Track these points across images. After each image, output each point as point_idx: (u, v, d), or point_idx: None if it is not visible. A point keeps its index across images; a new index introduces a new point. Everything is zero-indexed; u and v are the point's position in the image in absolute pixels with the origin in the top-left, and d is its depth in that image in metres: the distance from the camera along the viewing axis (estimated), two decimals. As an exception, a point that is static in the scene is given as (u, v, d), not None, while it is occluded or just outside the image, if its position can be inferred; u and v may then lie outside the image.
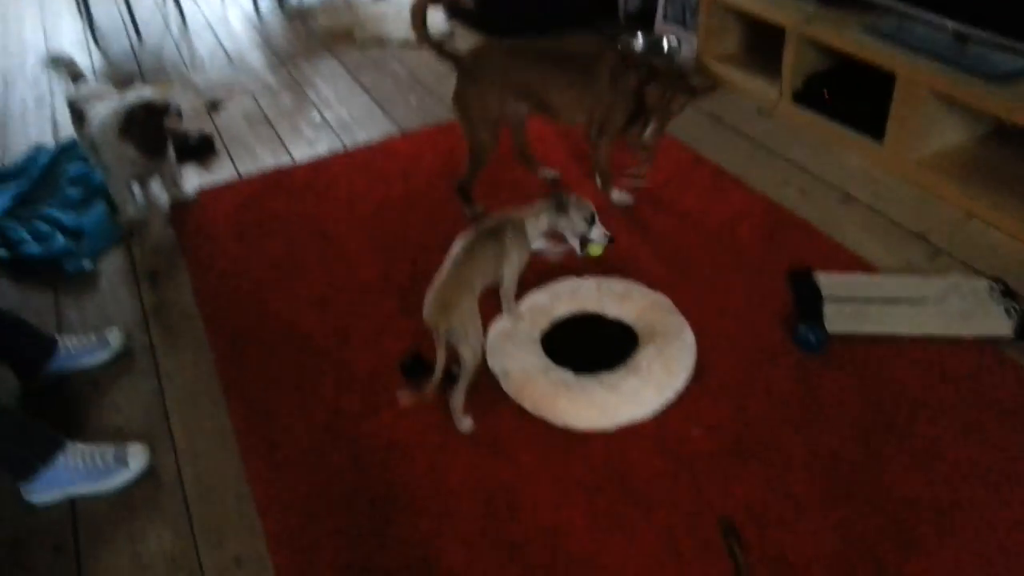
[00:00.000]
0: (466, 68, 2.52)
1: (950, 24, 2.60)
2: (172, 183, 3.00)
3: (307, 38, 4.44)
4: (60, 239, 2.78)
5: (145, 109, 2.66)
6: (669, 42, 3.66)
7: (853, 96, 2.98)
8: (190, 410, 2.18)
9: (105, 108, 2.71)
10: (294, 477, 1.93)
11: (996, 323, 2.15)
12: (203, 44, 4.53)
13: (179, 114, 2.73)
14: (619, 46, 2.77)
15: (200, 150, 3.34)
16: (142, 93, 2.74)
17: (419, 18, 2.48)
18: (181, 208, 3.00)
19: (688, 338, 2.11)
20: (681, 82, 2.50)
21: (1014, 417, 1.91)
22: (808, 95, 3.13)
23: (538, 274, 2.47)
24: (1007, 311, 2.18)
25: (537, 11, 4.08)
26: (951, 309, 2.20)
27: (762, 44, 3.43)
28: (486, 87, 2.50)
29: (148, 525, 1.88)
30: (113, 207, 2.97)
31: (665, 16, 3.83)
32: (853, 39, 2.83)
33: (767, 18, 3.16)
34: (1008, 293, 2.24)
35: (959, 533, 1.67)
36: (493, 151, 2.63)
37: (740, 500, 1.78)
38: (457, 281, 1.94)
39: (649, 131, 2.56)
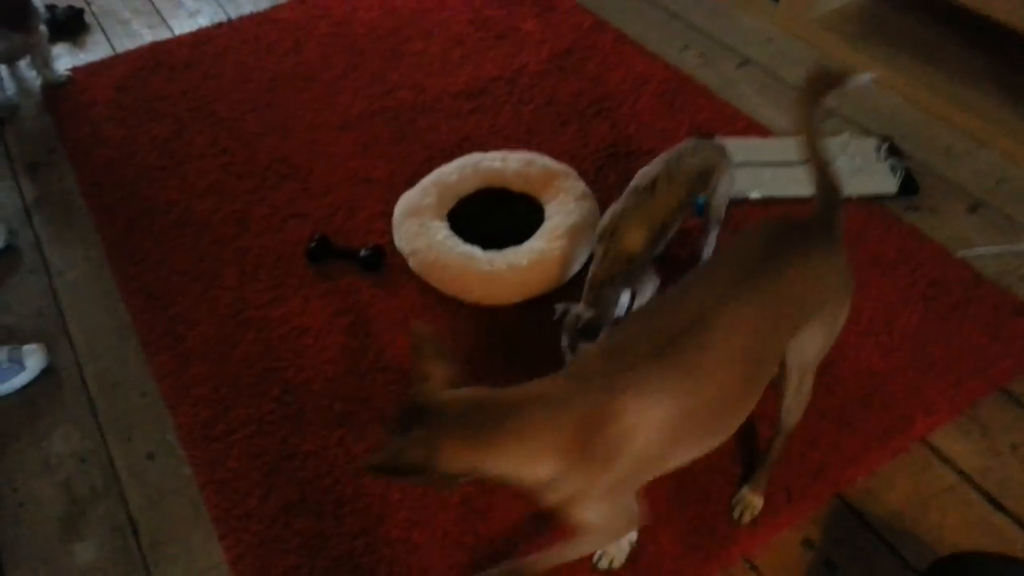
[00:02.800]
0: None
1: None
2: (43, 64, 2.76)
3: None
4: (-81, 130, 2.55)
5: None
6: None
7: (754, -47, 2.94)
8: (85, 306, 2.10)
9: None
10: (201, 369, 1.92)
11: (882, 181, 2.25)
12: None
13: None
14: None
15: (69, 26, 3.07)
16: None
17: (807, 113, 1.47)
18: (54, 91, 2.77)
19: (592, 208, 2.13)
20: None
21: (895, 271, 2.03)
22: (710, -47, 3.07)
23: (443, 150, 2.43)
24: (892, 168, 2.27)
25: None
26: (840, 169, 2.27)
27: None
28: None
29: (53, 425, 1.85)
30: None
31: None
32: None
33: None
34: (894, 151, 2.33)
35: (842, 380, 1.80)
36: None
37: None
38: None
39: None
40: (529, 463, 1.14)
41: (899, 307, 1.94)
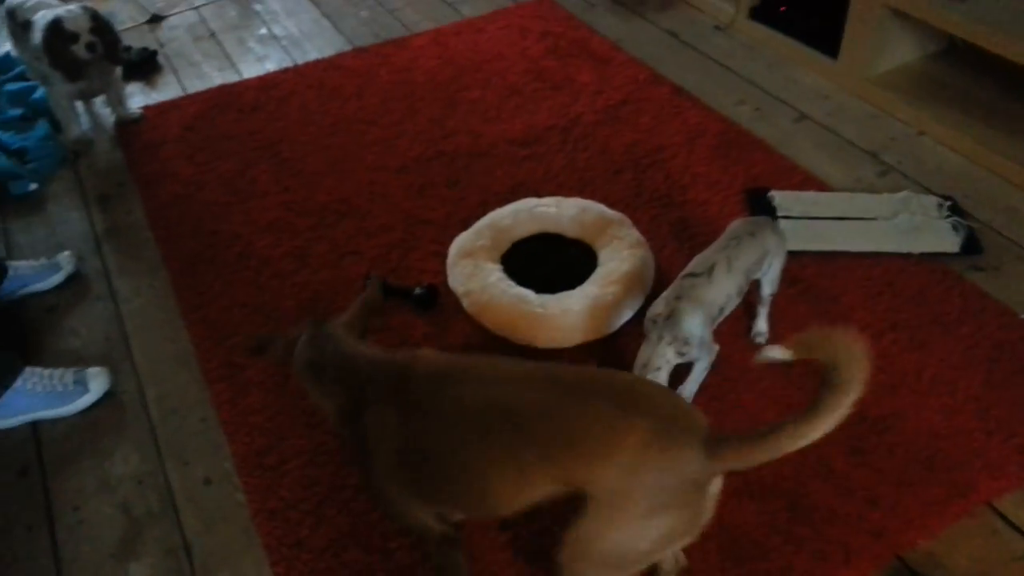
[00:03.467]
0: None
1: (909, -62, 2.59)
2: (118, 101, 2.89)
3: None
4: (3, 160, 2.67)
5: (49, 31, 2.53)
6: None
7: (809, 13, 2.97)
8: (149, 333, 2.16)
9: (47, 19, 2.57)
10: (257, 398, 1.95)
11: (944, 239, 2.22)
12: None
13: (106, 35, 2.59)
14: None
15: (143, 66, 3.21)
16: (78, 6, 2.60)
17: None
18: (127, 127, 2.89)
19: (646, 257, 2.14)
20: None
21: (957, 329, 1.99)
22: (765, 11, 3.11)
23: (497, 194, 2.47)
24: (954, 227, 2.25)
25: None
26: (901, 226, 2.26)
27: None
28: None
29: (113, 447, 1.89)
30: (57, 126, 2.85)
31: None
32: (811, -48, 2.81)
33: (727, -70, 3.11)
34: (956, 210, 2.31)
35: (904, 440, 1.77)
36: None
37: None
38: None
39: None
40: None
41: (962, 368, 1.91)
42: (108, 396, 1.99)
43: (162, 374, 2.05)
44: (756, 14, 3.14)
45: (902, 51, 2.81)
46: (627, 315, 2.04)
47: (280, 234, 2.40)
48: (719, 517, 1.64)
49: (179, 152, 2.76)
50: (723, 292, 1.76)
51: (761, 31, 3.11)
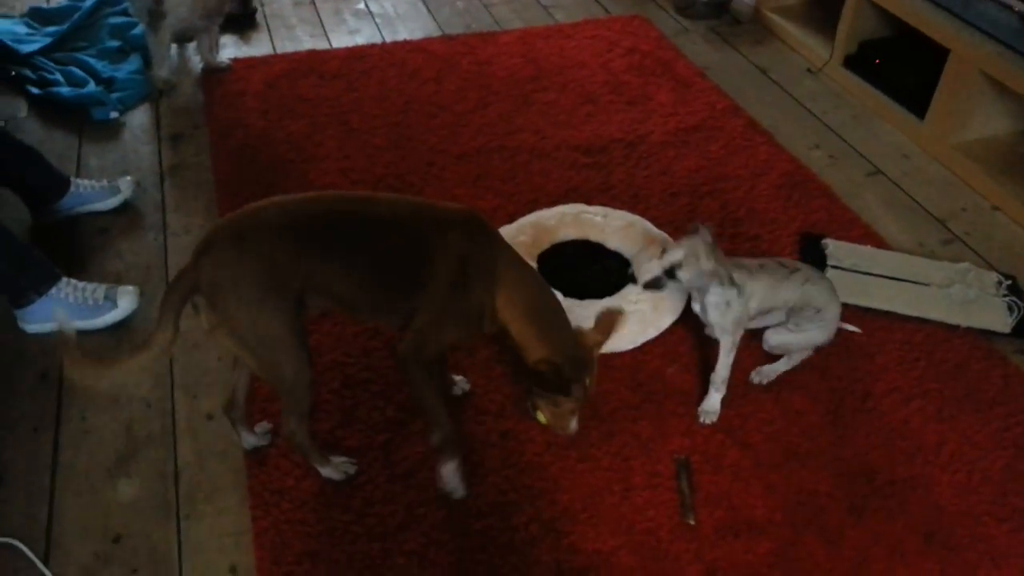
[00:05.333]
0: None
1: (1018, 6, 2.49)
2: (209, 48, 3.00)
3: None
4: (92, 85, 2.80)
5: None
6: (731, -14, 3.54)
7: (904, 69, 2.89)
8: (188, 269, 2.23)
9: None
10: (275, 348, 1.99)
11: (996, 318, 2.13)
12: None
13: None
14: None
15: (241, 21, 3.33)
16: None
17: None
18: (213, 75, 3.00)
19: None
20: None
21: (991, 411, 1.90)
22: (859, 61, 3.04)
23: (550, 195, 2.47)
24: (1010, 307, 2.15)
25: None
26: (953, 296, 2.18)
27: (825, 1, 3.31)
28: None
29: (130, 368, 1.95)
30: (148, 63, 2.98)
31: (732, -42, 3.69)
32: (914, 5, 2.73)
33: (832, -27, 3.05)
34: (1015, 290, 2.20)
35: (906, 509, 1.69)
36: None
37: (699, 443, 1.81)
38: None
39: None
40: None
41: (985, 448, 1.82)
42: (136, 317, 2.06)
43: (191, 311, 2.11)
44: (850, 62, 3.07)
45: (992, 122, 2.71)
46: (652, 334, 2.02)
47: (331, 198, 2.45)
48: (698, 549, 1.61)
49: (256, 106, 2.85)
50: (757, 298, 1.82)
51: (852, 80, 3.04)
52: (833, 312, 1.89)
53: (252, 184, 2.50)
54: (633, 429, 1.83)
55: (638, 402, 1.89)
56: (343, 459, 1.73)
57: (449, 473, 1.66)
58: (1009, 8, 2.54)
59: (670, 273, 1.77)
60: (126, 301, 2.04)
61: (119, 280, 2.16)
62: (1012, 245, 2.40)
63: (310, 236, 1.46)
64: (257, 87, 2.95)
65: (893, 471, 1.77)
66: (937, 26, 2.64)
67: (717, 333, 1.84)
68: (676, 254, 1.75)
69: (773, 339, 1.90)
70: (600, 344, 1.64)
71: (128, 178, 2.44)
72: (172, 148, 2.67)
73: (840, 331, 1.96)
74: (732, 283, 1.79)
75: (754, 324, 1.89)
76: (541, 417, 1.67)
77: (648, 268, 1.80)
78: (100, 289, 2.03)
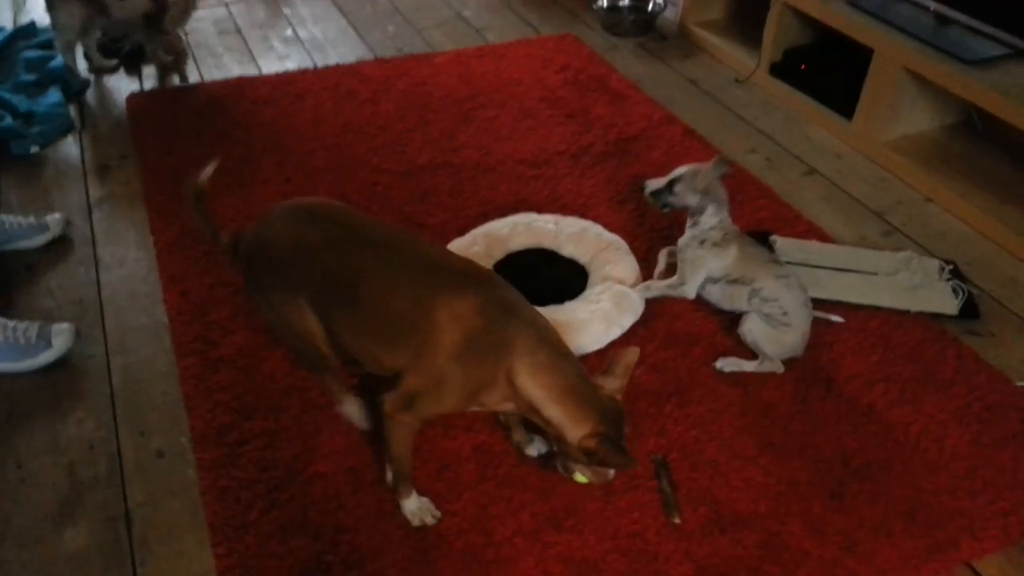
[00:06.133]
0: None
1: (932, 5, 2.61)
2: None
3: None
4: (8, 120, 2.65)
5: None
6: (656, 2, 3.62)
7: (829, 73, 2.98)
8: (125, 303, 2.11)
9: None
10: (227, 376, 1.89)
11: (942, 301, 2.18)
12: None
13: None
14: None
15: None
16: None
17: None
18: (138, 103, 2.89)
19: (639, 278, 2.10)
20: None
21: (950, 390, 1.94)
22: (785, 68, 3.13)
23: (499, 208, 2.44)
24: (954, 290, 2.21)
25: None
26: (900, 283, 2.23)
27: (746, 14, 3.41)
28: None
29: (70, 409, 1.83)
30: (68, 95, 2.86)
31: (654, -24, 3.78)
32: (836, 10, 2.82)
33: (754, -16, 3.14)
34: (957, 274, 2.27)
35: (886, 491, 1.70)
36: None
37: (674, 441, 1.79)
38: None
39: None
40: None
41: (951, 426, 1.85)
42: (72, 358, 1.93)
43: (131, 344, 2.00)
44: (776, 70, 3.16)
45: (918, 119, 2.81)
46: (614, 333, 2.00)
47: (274, 221, 2.36)
48: (687, 548, 1.58)
49: (187, 133, 2.75)
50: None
51: (779, 87, 3.13)
52: (799, 320, 1.94)
53: (186, 211, 2.38)
54: (607, 432, 1.80)
55: (609, 405, 1.86)
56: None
57: (411, 509, 1.60)
58: (925, 8, 2.66)
59: (669, 187, 2.02)
60: (61, 340, 1.91)
61: (50, 318, 2.02)
62: (947, 233, 2.48)
63: (318, 259, 1.51)
64: (187, 115, 2.85)
65: (867, 455, 1.77)
66: (860, 28, 2.74)
67: (687, 256, 2.04)
68: (680, 169, 2.02)
69: (746, 325, 1.94)
70: (622, 389, 1.48)
71: (57, 215, 2.31)
72: (99, 180, 2.55)
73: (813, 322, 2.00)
74: (724, 210, 2.00)
75: (716, 297, 2.04)
76: (581, 477, 1.51)
77: (653, 181, 2.06)
78: (32, 328, 1.89)
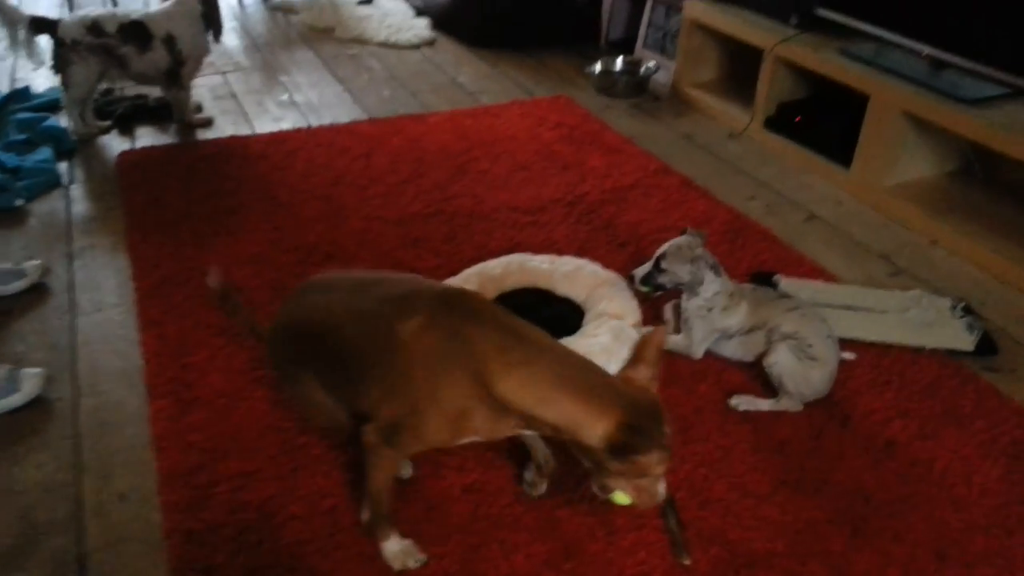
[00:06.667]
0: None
1: (926, 50, 2.60)
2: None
3: (287, 30, 4.38)
4: (-6, 174, 2.62)
5: None
6: (648, 66, 3.65)
7: (824, 123, 2.97)
8: (100, 347, 2.01)
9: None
10: (201, 417, 1.77)
11: (957, 337, 2.08)
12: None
13: None
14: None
15: (159, 112, 3.22)
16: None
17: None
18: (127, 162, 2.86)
19: (638, 314, 2.00)
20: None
21: (971, 424, 1.82)
22: (780, 121, 3.11)
23: (492, 252, 2.37)
24: (969, 327, 2.11)
25: (523, 31, 4.07)
26: (913, 320, 2.13)
27: (739, 74, 3.43)
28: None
29: (30, 452, 1.71)
30: (59, 152, 2.84)
31: (645, 43, 3.83)
32: (828, 60, 2.83)
33: (745, 39, 3.17)
34: (970, 311, 2.17)
35: (912, 528, 1.56)
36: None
37: (682, 478, 1.66)
38: None
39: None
40: None
41: (976, 461, 1.72)
42: (39, 401, 1.82)
43: (102, 387, 1.89)
44: (771, 124, 3.14)
45: (917, 166, 2.77)
46: (613, 368, 1.87)
47: (261, 266, 2.29)
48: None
49: (176, 186, 2.71)
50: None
51: (775, 140, 3.10)
52: (826, 354, 1.83)
53: (171, 258, 2.32)
54: (608, 470, 1.67)
55: (610, 443, 1.73)
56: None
57: (392, 552, 1.46)
58: (918, 54, 2.65)
59: (656, 265, 1.92)
60: (30, 385, 1.81)
61: (21, 363, 1.92)
62: (956, 275, 2.40)
63: (311, 330, 1.46)
64: (178, 170, 2.82)
65: (889, 491, 1.64)
66: (855, 75, 2.73)
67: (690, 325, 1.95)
68: (663, 247, 1.92)
69: (773, 357, 1.83)
70: (655, 378, 1.30)
71: (36, 262, 2.24)
72: (83, 231, 2.49)
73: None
74: (721, 273, 1.91)
75: (734, 351, 1.93)
76: (621, 498, 1.33)
77: (640, 269, 1.96)
78: (2, 368, 1.79)
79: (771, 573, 1.46)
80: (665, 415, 1.27)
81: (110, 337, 2.04)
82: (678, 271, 1.90)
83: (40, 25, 2.84)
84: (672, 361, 1.97)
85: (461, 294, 1.37)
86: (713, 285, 1.91)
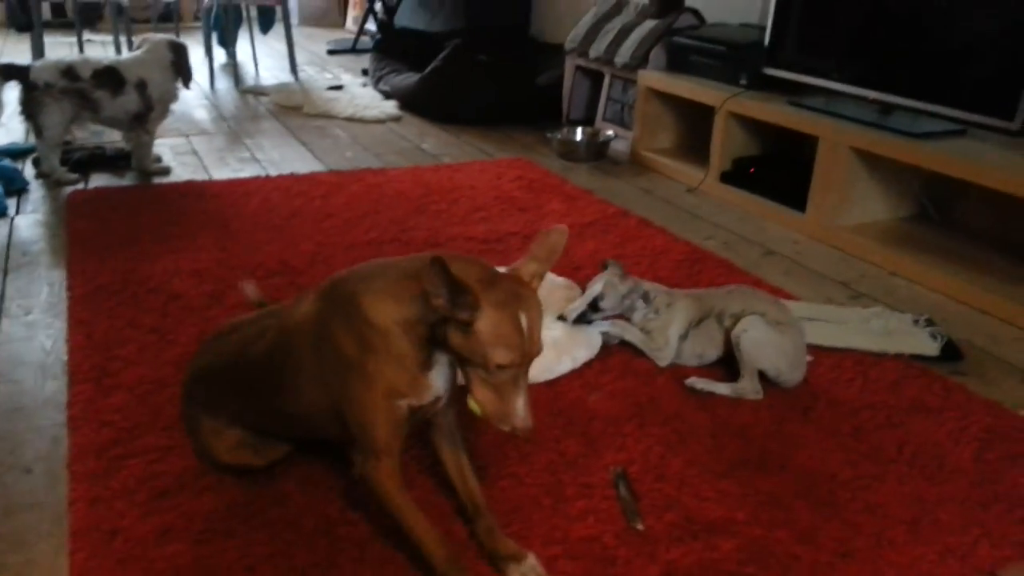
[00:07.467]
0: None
1: (872, 94, 2.69)
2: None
3: (255, 107, 4.46)
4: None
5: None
6: (607, 134, 3.74)
7: (777, 172, 3.02)
8: (22, 345, 1.90)
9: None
10: (121, 399, 1.65)
11: (921, 343, 2.03)
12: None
13: None
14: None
15: (116, 161, 3.21)
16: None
17: None
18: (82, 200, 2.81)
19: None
20: None
21: (942, 414, 1.74)
22: (735, 175, 3.17)
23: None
24: (932, 335, 2.06)
25: (489, 111, 4.18)
26: (874, 329, 2.08)
27: (695, 140, 3.52)
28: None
29: (-72, 429, 1.56)
30: (8, 188, 2.79)
31: (604, 115, 3.95)
32: (778, 110, 2.91)
33: (697, 99, 3.26)
34: (933, 324, 2.13)
35: (884, 502, 1.45)
36: None
37: (636, 456, 1.55)
38: None
39: None
40: None
41: (948, 445, 1.63)
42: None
43: (20, 375, 1.77)
44: (727, 177, 3.19)
45: (872, 208, 2.80)
46: (565, 364, 1.81)
47: (203, 278, 2.21)
48: (652, 551, 1.30)
49: (126, 217, 2.66)
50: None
51: (732, 192, 3.14)
52: (786, 315, 1.82)
53: (111, 271, 2.24)
54: (558, 448, 1.56)
55: (562, 424, 1.63)
56: None
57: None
58: (864, 99, 2.74)
59: (594, 306, 1.87)
60: None
61: (-67, 357, 1.80)
62: (917, 300, 2.37)
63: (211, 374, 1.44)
64: (129, 204, 2.78)
65: (857, 469, 1.54)
66: (804, 120, 2.80)
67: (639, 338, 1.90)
68: (596, 287, 1.87)
69: (742, 325, 1.79)
70: (541, 275, 1.19)
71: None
72: (23, 251, 2.41)
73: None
74: (652, 297, 1.89)
75: (691, 354, 1.89)
76: (475, 405, 1.17)
77: (574, 308, 1.89)
78: None
79: (732, 538, 1.34)
80: (532, 313, 1.14)
81: (34, 336, 1.93)
82: (615, 307, 1.89)
83: (9, 72, 2.85)
84: (629, 359, 1.89)
85: (345, 279, 1.25)
86: (644, 308, 1.90)
